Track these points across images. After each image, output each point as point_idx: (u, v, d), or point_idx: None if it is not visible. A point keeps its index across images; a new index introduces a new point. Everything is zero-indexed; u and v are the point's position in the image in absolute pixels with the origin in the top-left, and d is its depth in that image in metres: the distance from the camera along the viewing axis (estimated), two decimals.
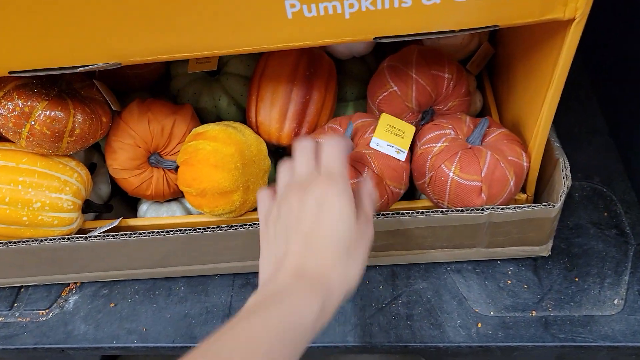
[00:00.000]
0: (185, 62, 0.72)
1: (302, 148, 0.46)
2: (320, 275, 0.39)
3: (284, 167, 0.47)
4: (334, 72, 0.66)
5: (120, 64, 0.47)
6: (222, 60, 0.71)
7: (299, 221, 0.41)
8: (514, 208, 0.56)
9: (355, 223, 0.42)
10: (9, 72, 0.48)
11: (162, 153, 0.64)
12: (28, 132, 0.55)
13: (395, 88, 0.62)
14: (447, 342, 0.61)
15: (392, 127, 0.59)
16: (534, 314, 0.62)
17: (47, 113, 0.55)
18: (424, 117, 0.64)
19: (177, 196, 0.69)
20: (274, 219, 0.44)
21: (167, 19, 0.44)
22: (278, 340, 0.35)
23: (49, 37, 0.45)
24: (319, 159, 0.45)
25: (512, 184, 0.55)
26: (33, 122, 0.55)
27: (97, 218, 0.70)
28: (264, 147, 0.64)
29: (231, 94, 0.69)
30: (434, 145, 0.57)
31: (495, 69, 0.73)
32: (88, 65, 0.47)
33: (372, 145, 0.57)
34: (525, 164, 0.57)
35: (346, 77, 0.71)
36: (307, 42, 0.46)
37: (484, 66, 0.73)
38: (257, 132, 0.66)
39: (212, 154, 0.57)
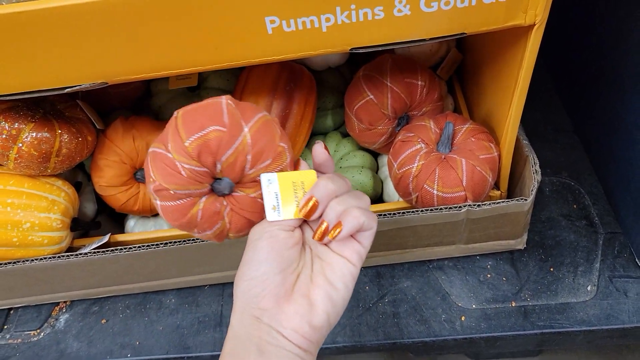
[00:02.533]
0: (165, 79, 0.74)
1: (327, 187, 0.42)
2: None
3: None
4: (314, 85, 0.68)
5: (107, 83, 0.49)
6: (202, 76, 0.73)
7: None
8: (489, 204, 0.59)
9: None
10: None
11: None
12: (16, 154, 0.56)
13: (372, 96, 0.65)
14: (433, 337, 0.64)
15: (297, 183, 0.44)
16: (513, 305, 0.65)
17: (34, 134, 0.56)
18: (399, 123, 0.67)
19: None
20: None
21: (151, 38, 0.46)
22: None
23: (35, 60, 0.47)
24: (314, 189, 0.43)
25: (490, 179, 0.59)
26: (20, 144, 0.56)
27: (83, 236, 0.71)
28: None
29: None
30: (411, 166, 0.60)
31: (464, 73, 0.76)
32: (76, 86, 0.49)
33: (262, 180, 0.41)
34: (496, 153, 0.60)
35: (323, 87, 0.73)
36: (287, 56, 0.48)
37: (453, 71, 0.76)
38: None
39: None
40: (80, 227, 0.65)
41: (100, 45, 0.46)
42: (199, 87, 0.73)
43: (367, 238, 0.42)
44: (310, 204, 0.40)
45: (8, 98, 0.49)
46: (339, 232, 0.39)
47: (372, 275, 0.70)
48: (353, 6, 0.44)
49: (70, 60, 0.47)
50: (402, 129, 0.64)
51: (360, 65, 0.73)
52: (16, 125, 0.56)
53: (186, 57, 0.47)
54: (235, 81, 0.73)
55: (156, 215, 0.71)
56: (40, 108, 0.59)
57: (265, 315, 0.38)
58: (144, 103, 0.77)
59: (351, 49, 0.48)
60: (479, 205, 0.59)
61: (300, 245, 0.42)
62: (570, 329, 0.63)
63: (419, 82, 0.65)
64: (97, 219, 0.73)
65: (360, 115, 0.66)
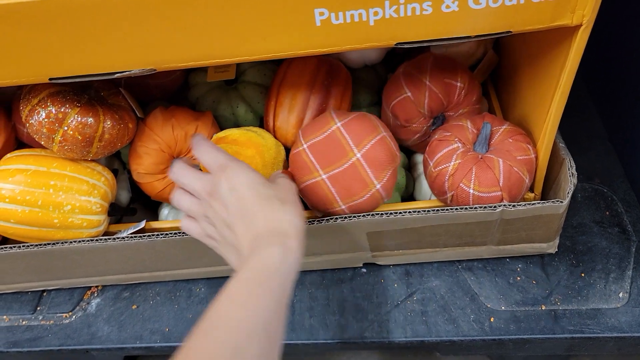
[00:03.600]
0: (203, 71, 0.75)
1: (182, 172, 0.51)
2: (268, 229, 0.45)
3: (181, 196, 0.52)
4: (350, 81, 0.69)
5: (155, 69, 0.50)
6: (240, 69, 0.74)
7: (229, 212, 0.46)
8: (525, 205, 0.59)
9: (266, 180, 0.49)
10: (49, 79, 0.50)
11: (184, 157, 0.67)
12: (61, 137, 0.58)
13: (409, 94, 0.65)
14: (461, 336, 0.64)
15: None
16: (543, 308, 0.65)
17: (79, 119, 0.58)
18: (434, 122, 0.68)
19: None
20: (212, 231, 0.49)
21: (200, 26, 0.47)
22: (253, 284, 0.41)
23: (87, 44, 0.48)
24: (201, 162, 0.52)
25: (527, 181, 0.59)
26: (66, 128, 0.57)
27: (117, 222, 0.72)
28: (282, 150, 0.67)
29: (249, 102, 0.72)
30: (447, 165, 0.60)
31: (498, 75, 0.77)
32: (125, 71, 0.50)
33: None
34: (533, 155, 0.60)
35: (358, 85, 0.74)
36: (333, 48, 0.49)
37: (489, 74, 0.76)
38: (274, 136, 0.69)
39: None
40: (117, 212, 0.66)
41: (151, 32, 0.47)
42: (236, 80, 0.74)
43: None
44: None
45: (61, 81, 0.50)
46: None
47: (400, 273, 0.70)
48: (402, 0, 0.45)
49: (121, 46, 0.48)
50: (438, 128, 0.65)
51: (396, 64, 0.74)
52: (62, 109, 0.57)
53: (234, 46, 0.48)
54: (272, 76, 0.74)
55: None
56: (86, 94, 0.60)
57: None
58: (181, 95, 0.78)
59: (396, 44, 0.49)
60: (514, 206, 0.59)
61: None
62: (601, 335, 0.62)
63: (458, 84, 0.65)
64: (130, 207, 0.75)
65: (397, 112, 0.67)
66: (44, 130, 0.57)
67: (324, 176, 0.58)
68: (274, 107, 0.67)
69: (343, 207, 0.59)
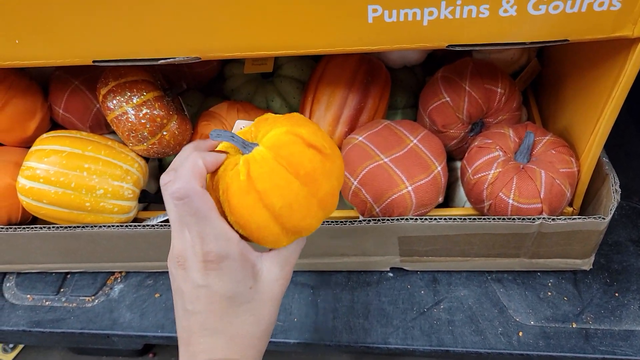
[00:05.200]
0: (240, 63, 0.75)
1: None
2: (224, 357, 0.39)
3: None
4: (389, 82, 0.68)
5: (200, 58, 0.49)
6: (277, 63, 0.73)
7: (193, 304, 0.40)
8: (565, 219, 0.57)
9: (249, 291, 0.40)
10: (93, 61, 0.50)
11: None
12: (156, 140, 0.60)
13: (448, 99, 0.64)
14: (488, 349, 0.62)
15: None
16: (574, 326, 0.63)
17: (177, 126, 0.60)
18: (473, 128, 0.66)
19: None
20: (173, 282, 0.42)
21: (249, 17, 0.46)
22: None
23: (132, 29, 0.47)
24: None
25: (568, 195, 0.57)
26: (165, 132, 0.59)
27: (145, 209, 0.72)
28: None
29: (284, 96, 0.71)
30: (487, 173, 0.59)
31: (540, 84, 0.75)
32: (169, 58, 0.49)
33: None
34: (575, 168, 0.58)
35: (396, 86, 0.73)
36: (382, 47, 0.48)
37: (530, 82, 0.75)
38: None
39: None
40: (148, 199, 0.66)
41: (198, 19, 0.46)
42: (273, 74, 0.73)
43: None
44: None
45: (104, 64, 0.50)
46: None
47: (428, 280, 0.69)
48: (459, 1, 0.44)
49: (166, 32, 0.47)
50: (479, 135, 0.63)
51: (434, 68, 0.73)
52: (168, 114, 0.60)
53: (283, 39, 0.47)
54: (309, 71, 0.73)
55: None
56: (173, 102, 0.62)
57: None
58: (215, 86, 0.77)
59: (448, 45, 0.47)
60: (553, 219, 0.57)
61: None
62: (633, 358, 0.60)
63: (499, 90, 0.64)
64: (158, 194, 0.74)
65: (434, 117, 0.65)
66: (145, 131, 0.58)
67: (385, 159, 0.59)
68: (311, 103, 0.66)
69: (409, 187, 0.57)
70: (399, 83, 0.73)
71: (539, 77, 0.75)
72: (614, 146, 0.81)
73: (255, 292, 0.40)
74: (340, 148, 0.65)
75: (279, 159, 0.38)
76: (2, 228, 0.62)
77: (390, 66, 0.73)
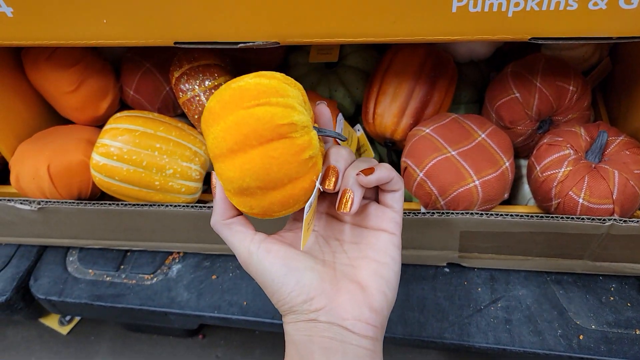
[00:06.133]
0: (304, 51, 0.75)
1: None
2: None
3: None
4: (455, 77, 0.67)
5: (279, 43, 0.50)
6: (341, 53, 0.73)
7: None
8: (637, 221, 0.56)
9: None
10: (175, 43, 0.51)
11: None
12: None
13: (518, 95, 0.63)
14: (547, 350, 0.61)
15: None
16: (638, 333, 0.61)
17: None
18: (541, 126, 0.65)
19: None
20: None
21: (332, 2, 0.46)
22: None
23: (214, 12, 0.48)
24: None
25: None
26: None
27: (205, 192, 0.73)
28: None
29: (347, 86, 0.71)
30: (557, 170, 0.57)
31: (609, 84, 0.73)
32: (249, 42, 0.50)
33: None
34: None
35: (461, 80, 0.72)
36: (464, 37, 0.47)
37: (599, 81, 0.73)
38: (373, 123, 0.67)
39: None
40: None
41: (279, 4, 0.47)
42: (337, 63, 0.73)
43: (398, 201, 0.40)
44: (332, 173, 0.38)
45: (185, 46, 0.51)
46: (371, 175, 0.37)
47: (485, 278, 0.68)
48: None
49: (247, 16, 0.48)
50: (548, 133, 0.62)
51: (501, 63, 0.72)
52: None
53: (361, 26, 0.47)
54: (373, 62, 0.73)
55: None
56: None
57: (322, 314, 0.36)
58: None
59: (530, 39, 0.47)
60: (625, 221, 0.56)
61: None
62: None
63: (571, 87, 0.62)
64: None
65: (501, 112, 0.64)
66: None
67: (453, 152, 0.58)
68: (377, 94, 0.66)
69: (477, 182, 0.57)
70: (463, 77, 0.72)
71: (608, 77, 0.73)
72: None
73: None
74: (405, 139, 0.65)
75: None
76: (73, 202, 0.64)
77: (456, 60, 0.72)
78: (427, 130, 0.61)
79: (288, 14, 0.48)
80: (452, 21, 0.46)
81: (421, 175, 0.59)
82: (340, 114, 0.65)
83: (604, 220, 0.56)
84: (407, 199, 0.68)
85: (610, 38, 0.46)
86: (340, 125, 0.66)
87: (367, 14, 0.47)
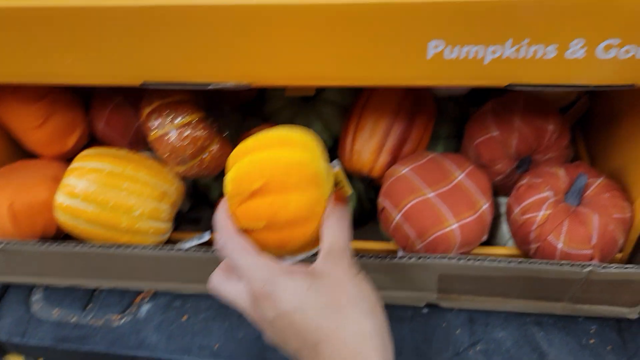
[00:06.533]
0: None
1: (221, 286, 0.42)
2: (337, 355, 0.36)
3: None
4: (434, 113, 0.66)
5: (250, 85, 0.48)
6: (319, 87, 0.72)
7: (286, 341, 0.39)
8: (616, 267, 0.55)
9: (312, 285, 0.38)
10: (143, 83, 0.49)
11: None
12: (197, 162, 0.59)
13: (497, 133, 0.62)
14: None
15: None
16: None
17: (218, 148, 0.59)
18: (520, 165, 0.64)
19: None
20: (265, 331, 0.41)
21: (306, 48, 0.45)
22: None
23: (183, 53, 0.47)
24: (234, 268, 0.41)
25: (620, 242, 0.55)
26: (206, 155, 0.58)
27: (176, 229, 0.71)
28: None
29: (325, 121, 0.70)
30: (536, 214, 0.56)
31: (589, 121, 0.72)
32: (220, 83, 0.49)
33: None
34: (630, 214, 0.56)
35: (440, 115, 0.71)
36: (439, 82, 0.46)
37: (577, 118, 0.72)
38: (350, 160, 0.66)
39: None
40: (183, 221, 0.64)
41: (251, 47, 0.45)
42: (315, 97, 0.72)
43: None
44: None
45: (154, 86, 0.49)
46: None
47: (464, 319, 0.67)
48: (526, 40, 0.42)
49: (218, 58, 0.47)
50: (527, 173, 0.61)
51: (480, 98, 0.71)
52: (211, 135, 0.59)
53: (336, 70, 0.46)
54: (351, 97, 0.72)
55: None
56: (216, 122, 0.61)
57: None
58: (254, 106, 0.76)
59: (508, 85, 0.46)
60: (604, 267, 0.55)
61: None
62: None
63: (550, 127, 0.62)
64: (189, 213, 0.73)
65: (481, 151, 0.63)
66: (188, 152, 0.57)
67: (431, 194, 0.57)
68: (354, 129, 0.65)
69: (455, 225, 0.56)
70: (442, 112, 0.71)
71: (588, 114, 0.73)
72: None
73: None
74: (382, 178, 0.64)
75: None
76: (36, 243, 0.61)
77: (435, 96, 0.71)
78: (405, 170, 0.60)
79: (260, 57, 0.46)
80: (427, 67, 0.45)
81: (398, 217, 0.58)
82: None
83: (583, 266, 0.55)
84: (385, 239, 0.66)
85: (588, 86, 0.45)
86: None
87: (341, 59, 0.45)
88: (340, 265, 0.40)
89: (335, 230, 0.41)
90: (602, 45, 0.41)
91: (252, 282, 0.38)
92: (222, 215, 0.42)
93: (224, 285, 0.42)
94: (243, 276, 0.39)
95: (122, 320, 0.70)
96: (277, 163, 0.40)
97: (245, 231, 0.41)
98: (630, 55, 0.42)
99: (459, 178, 0.59)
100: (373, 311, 0.39)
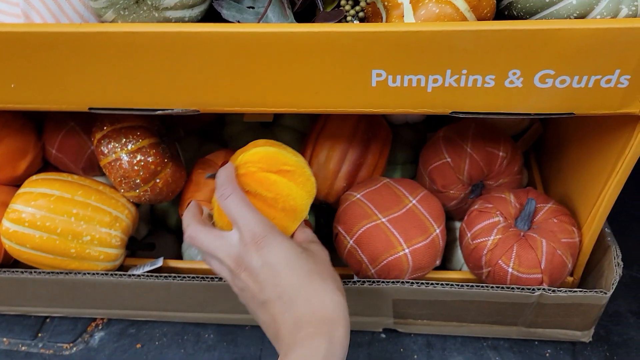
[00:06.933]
0: None
1: (200, 234, 0.46)
2: (311, 313, 0.41)
3: (208, 259, 0.47)
4: (389, 138, 0.67)
5: (199, 111, 0.48)
6: (277, 113, 0.72)
7: (262, 289, 0.42)
8: (565, 291, 0.55)
9: (303, 252, 0.44)
10: (89, 109, 0.49)
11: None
12: (149, 187, 0.58)
13: (449, 159, 0.63)
14: None
15: None
16: None
17: (171, 173, 0.59)
18: (473, 190, 0.65)
19: None
20: (241, 293, 0.45)
21: (252, 76, 0.45)
22: None
23: (129, 79, 0.46)
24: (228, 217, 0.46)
25: (569, 266, 0.56)
26: (158, 180, 0.58)
27: (132, 255, 0.70)
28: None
29: None
30: (486, 239, 0.57)
31: (543, 147, 0.74)
32: (167, 109, 0.48)
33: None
34: (577, 238, 0.57)
35: (397, 141, 0.72)
36: (385, 110, 0.47)
37: (531, 144, 0.74)
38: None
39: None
40: (136, 247, 0.64)
41: (198, 74, 0.45)
42: (273, 123, 0.72)
43: None
44: None
45: (99, 112, 0.49)
46: None
47: (422, 344, 0.67)
48: (464, 71, 0.43)
49: (165, 84, 0.46)
50: (479, 198, 0.62)
51: (437, 123, 0.72)
52: (162, 161, 0.59)
53: (284, 97, 0.46)
54: (309, 122, 0.72)
55: None
56: (169, 149, 0.61)
57: None
58: (213, 130, 0.76)
59: (451, 112, 0.46)
60: (554, 291, 0.55)
61: None
62: None
63: (500, 153, 0.63)
64: (146, 239, 0.72)
65: (434, 176, 0.64)
66: (138, 179, 0.57)
67: (383, 219, 0.57)
68: (310, 156, 0.65)
69: (406, 250, 0.56)
70: (399, 139, 0.72)
71: (541, 139, 0.75)
72: (614, 210, 0.80)
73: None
74: (338, 203, 0.64)
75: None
76: None
77: (392, 122, 0.72)
78: (358, 196, 0.60)
79: (207, 84, 0.46)
80: (372, 94, 0.45)
81: (351, 242, 0.58)
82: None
83: (533, 290, 0.55)
84: (343, 264, 0.66)
85: (528, 114, 0.46)
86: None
87: (288, 86, 0.46)
88: (322, 253, 0.48)
89: (312, 236, 0.51)
90: (538, 75, 0.42)
91: (250, 231, 0.43)
92: (229, 173, 0.47)
93: (203, 234, 0.45)
94: (241, 225, 0.43)
95: (74, 349, 0.68)
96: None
97: (247, 192, 0.47)
98: (566, 84, 0.43)
99: (412, 203, 0.60)
100: (343, 294, 0.44)
